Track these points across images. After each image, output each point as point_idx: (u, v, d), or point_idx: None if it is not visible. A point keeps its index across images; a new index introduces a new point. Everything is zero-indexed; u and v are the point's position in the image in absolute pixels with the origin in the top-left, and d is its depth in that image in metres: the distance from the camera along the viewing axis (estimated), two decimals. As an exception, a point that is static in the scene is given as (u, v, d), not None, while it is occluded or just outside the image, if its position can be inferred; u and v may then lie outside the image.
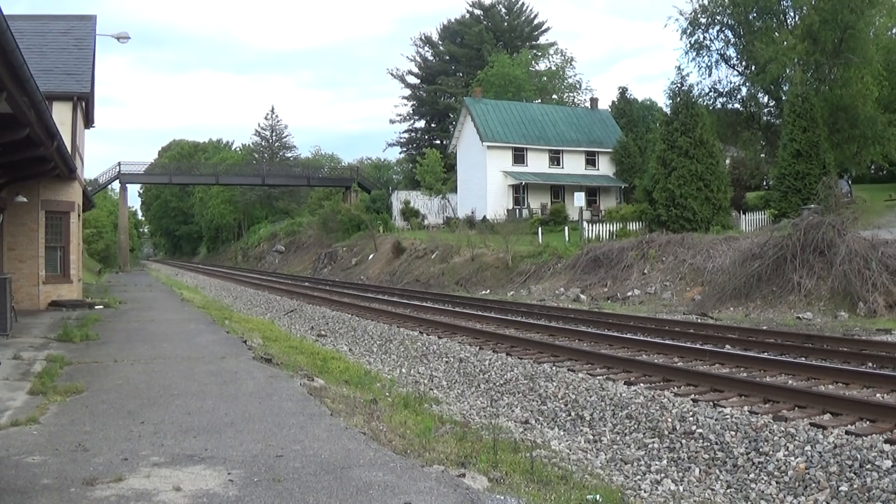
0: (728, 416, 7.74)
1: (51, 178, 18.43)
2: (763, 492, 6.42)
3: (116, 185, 68.02)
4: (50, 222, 19.66)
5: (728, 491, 6.60)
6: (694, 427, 7.69)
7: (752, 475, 6.69)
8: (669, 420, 7.99)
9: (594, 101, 58.70)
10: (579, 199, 35.37)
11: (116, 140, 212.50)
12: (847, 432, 6.97)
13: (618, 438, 8.13)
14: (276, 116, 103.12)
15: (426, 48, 79.87)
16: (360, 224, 53.46)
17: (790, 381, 9.65)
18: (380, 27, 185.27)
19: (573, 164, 50.38)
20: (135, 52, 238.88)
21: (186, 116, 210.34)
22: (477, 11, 77.47)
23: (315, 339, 16.79)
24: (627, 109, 54.28)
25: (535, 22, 78.89)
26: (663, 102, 49.25)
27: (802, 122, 30.03)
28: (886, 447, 6.46)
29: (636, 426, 8.21)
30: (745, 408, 8.07)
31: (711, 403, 8.37)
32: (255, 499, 4.67)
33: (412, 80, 79.76)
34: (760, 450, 6.94)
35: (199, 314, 17.97)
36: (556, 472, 6.40)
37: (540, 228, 36.80)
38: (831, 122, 32.37)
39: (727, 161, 39.75)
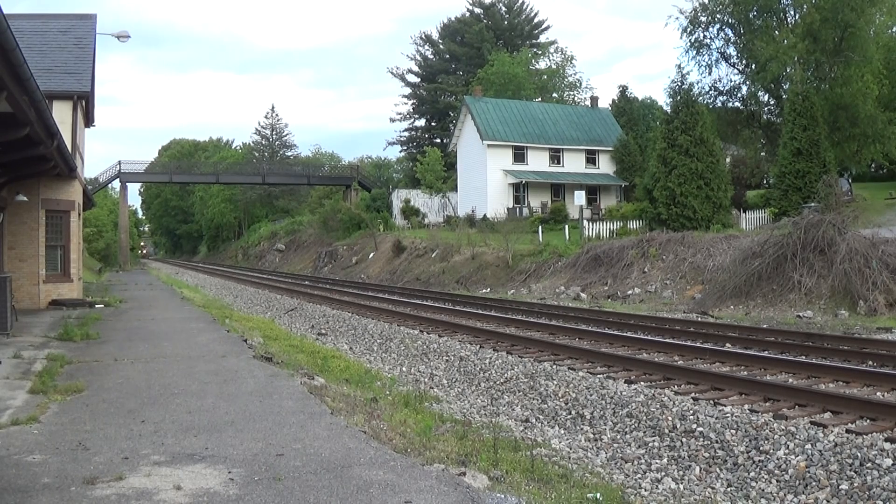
0: (728, 415, 7.74)
1: (51, 177, 18.44)
2: (763, 490, 6.42)
3: (117, 183, 68.08)
4: (50, 221, 19.66)
5: (728, 489, 6.60)
6: (694, 425, 7.69)
7: (752, 474, 6.69)
8: (670, 418, 7.99)
9: (594, 99, 58.68)
10: (579, 197, 35.36)
11: (117, 139, 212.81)
12: (847, 431, 6.97)
13: (618, 437, 8.13)
14: (277, 115, 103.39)
15: (426, 47, 79.93)
16: (360, 223, 53.47)
17: (790, 380, 9.65)
18: (380, 26, 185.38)
19: (573, 163, 50.36)
20: (135, 52, 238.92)
21: (187, 115, 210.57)
22: (477, 10, 77.46)
23: (315, 337, 16.79)
24: (628, 108, 54.27)
25: (536, 20, 78.91)
26: (664, 101, 49.15)
27: (803, 121, 30.01)
28: (887, 446, 6.46)
29: (637, 425, 8.21)
30: (746, 406, 8.07)
31: (712, 402, 8.37)
32: (256, 497, 4.67)
33: (412, 78, 79.85)
34: (761, 448, 6.94)
35: (200, 313, 17.97)
36: (557, 470, 6.40)
37: (540, 227, 36.80)
38: (831, 120, 32.36)
39: (727, 159, 39.76)
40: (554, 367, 10.98)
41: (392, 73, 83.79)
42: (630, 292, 23.11)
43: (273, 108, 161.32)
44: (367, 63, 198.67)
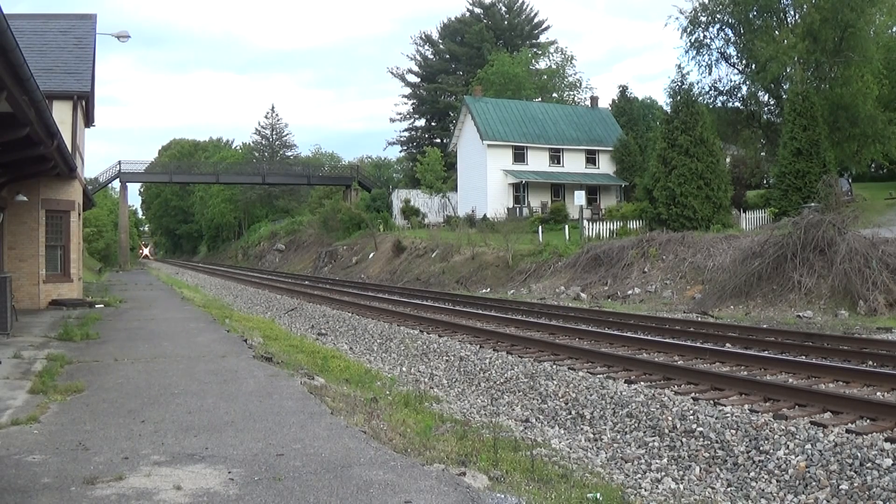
0: (728, 415, 7.74)
1: (51, 177, 18.44)
2: (763, 490, 6.42)
3: (117, 183, 68.13)
4: (50, 221, 19.66)
5: (728, 489, 6.60)
6: (694, 425, 7.69)
7: (752, 473, 6.69)
8: (670, 418, 7.99)
9: (594, 99, 58.66)
10: (579, 197, 35.35)
11: (117, 139, 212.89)
12: (847, 431, 6.97)
13: (618, 437, 8.13)
14: (277, 115, 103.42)
15: (426, 47, 79.96)
16: (360, 223, 53.47)
17: (790, 380, 9.65)
18: (381, 26, 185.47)
19: (573, 163, 50.36)
20: (136, 52, 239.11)
21: (187, 115, 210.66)
22: (477, 10, 77.51)
23: (315, 337, 16.80)
24: (628, 108, 54.25)
25: (536, 20, 78.96)
26: (664, 101, 49.20)
27: (803, 121, 30.01)
28: (887, 446, 6.46)
29: (637, 425, 8.21)
30: (746, 406, 8.07)
31: (712, 402, 8.37)
32: (256, 497, 4.67)
33: (412, 78, 79.88)
34: (761, 448, 6.94)
35: (200, 313, 17.97)
36: (557, 470, 6.41)
37: (540, 227, 36.80)
38: (831, 120, 32.35)
39: (727, 159, 39.73)
40: (554, 367, 10.98)
41: (392, 73, 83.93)
42: (630, 292, 23.10)
43: (273, 108, 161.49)
44: (367, 63, 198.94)
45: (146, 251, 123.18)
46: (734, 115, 39.14)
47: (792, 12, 35.50)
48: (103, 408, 7.27)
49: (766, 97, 38.20)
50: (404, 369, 12.65)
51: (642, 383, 9.53)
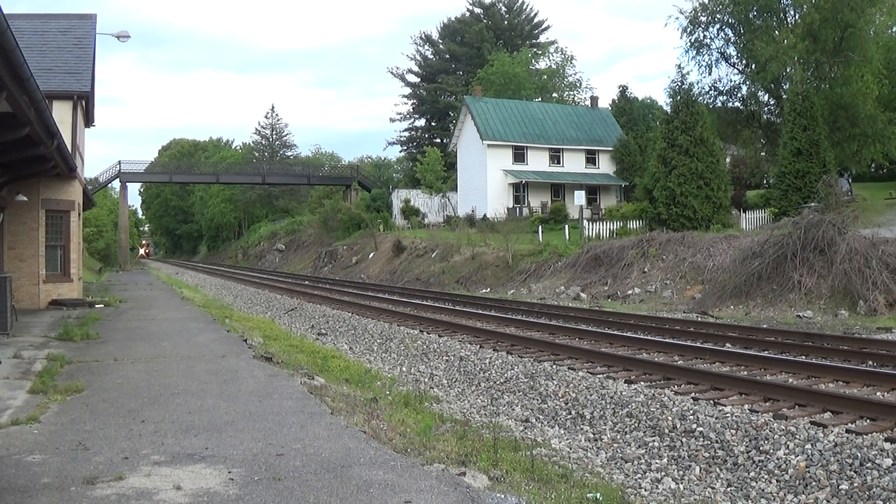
0: (728, 415, 7.74)
1: (51, 177, 18.44)
2: (763, 490, 6.42)
3: (117, 183, 68.09)
4: (50, 221, 19.65)
5: (728, 489, 6.60)
6: (694, 425, 7.69)
7: (752, 473, 6.69)
8: (670, 418, 7.99)
9: (594, 99, 58.66)
10: (579, 197, 35.35)
11: (117, 139, 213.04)
12: (847, 431, 6.97)
13: (618, 437, 8.13)
14: (277, 115, 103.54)
15: (426, 47, 79.92)
16: (360, 223, 53.46)
17: (790, 380, 9.65)
18: (381, 26, 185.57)
19: (573, 163, 50.35)
20: (136, 52, 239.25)
21: (187, 115, 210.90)
22: (477, 10, 77.47)
23: (315, 337, 16.79)
24: (628, 108, 54.26)
25: (536, 20, 78.93)
26: (664, 101, 49.15)
27: (803, 121, 30.00)
28: (887, 445, 6.46)
29: (636, 425, 8.21)
30: (746, 406, 8.07)
31: (712, 402, 8.37)
32: (256, 497, 4.67)
33: (412, 78, 79.84)
34: (761, 448, 6.94)
35: (200, 313, 17.97)
36: (557, 470, 6.41)
37: (540, 227, 36.80)
38: (831, 120, 32.34)
39: (727, 159, 39.73)
40: (554, 367, 10.98)
41: (392, 73, 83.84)
42: (630, 292, 23.10)
43: (273, 108, 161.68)
44: (368, 63, 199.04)
45: (142, 251, 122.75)
46: (734, 115, 39.11)
47: (792, 12, 35.48)
48: (103, 408, 7.27)
49: (766, 97, 38.21)
50: (404, 369, 12.65)
51: (642, 383, 9.53)
